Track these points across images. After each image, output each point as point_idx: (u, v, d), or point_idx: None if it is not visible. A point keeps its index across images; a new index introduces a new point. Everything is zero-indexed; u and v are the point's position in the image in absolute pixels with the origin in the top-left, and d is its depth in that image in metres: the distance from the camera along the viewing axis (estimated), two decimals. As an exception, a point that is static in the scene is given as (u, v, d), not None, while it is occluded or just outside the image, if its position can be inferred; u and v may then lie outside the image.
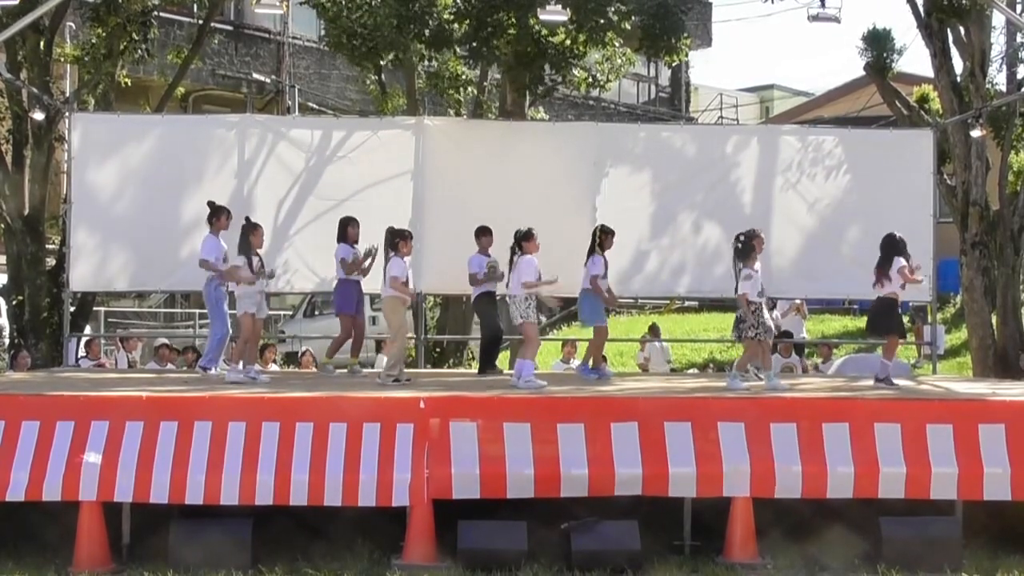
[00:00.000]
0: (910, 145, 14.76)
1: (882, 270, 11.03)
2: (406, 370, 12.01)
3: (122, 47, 16.94)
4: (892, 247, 11.07)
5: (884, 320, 11.33)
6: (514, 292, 11.08)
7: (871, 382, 11.52)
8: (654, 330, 18.40)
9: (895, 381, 11.27)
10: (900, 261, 10.96)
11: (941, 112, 17.61)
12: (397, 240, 11.26)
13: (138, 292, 21.93)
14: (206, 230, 13.82)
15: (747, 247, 11.00)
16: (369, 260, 12.12)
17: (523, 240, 11.16)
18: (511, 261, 11.22)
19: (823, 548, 8.85)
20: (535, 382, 10.59)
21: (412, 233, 11.73)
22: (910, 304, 18.74)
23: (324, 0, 18.60)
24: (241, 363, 11.26)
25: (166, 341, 17.04)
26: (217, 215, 11.61)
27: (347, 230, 12.17)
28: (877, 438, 8.99)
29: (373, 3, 18.12)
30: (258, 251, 11.40)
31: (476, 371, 12.89)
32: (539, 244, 11.19)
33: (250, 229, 11.36)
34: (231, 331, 11.58)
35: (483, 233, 12.18)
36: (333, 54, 21.06)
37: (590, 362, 12.44)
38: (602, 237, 12.04)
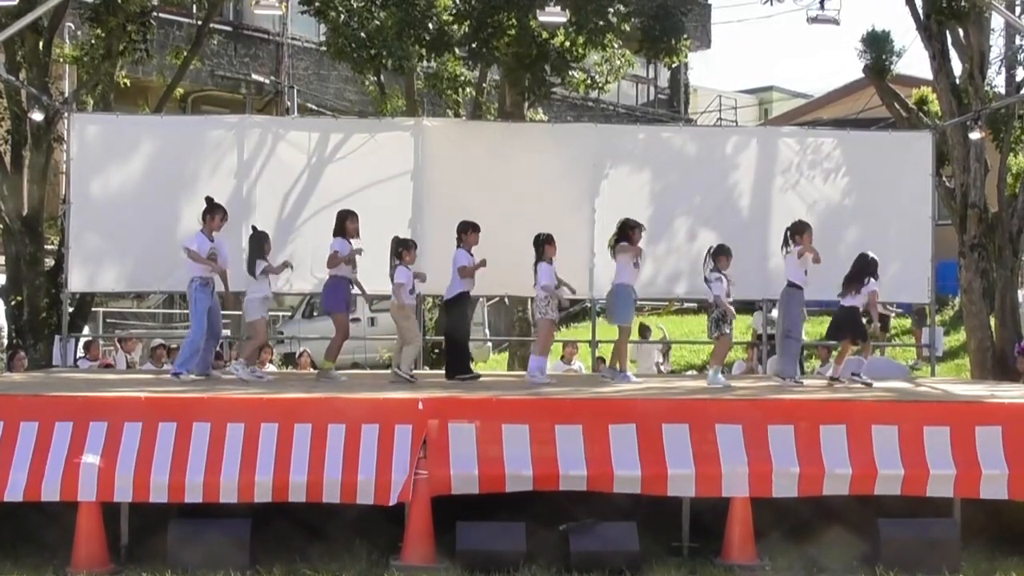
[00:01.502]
0: (909, 147, 14.78)
1: (851, 284, 11.62)
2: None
3: (121, 48, 16.96)
4: (864, 268, 11.64)
5: (846, 326, 11.80)
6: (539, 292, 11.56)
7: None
8: (642, 331, 18.45)
9: (871, 382, 11.69)
10: (874, 285, 11.54)
11: (940, 114, 17.63)
12: (401, 249, 11.55)
13: (137, 293, 21.93)
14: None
15: (720, 251, 11.72)
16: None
17: (545, 243, 11.51)
18: (536, 264, 11.54)
19: (822, 550, 8.85)
20: (540, 378, 11.13)
21: (416, 243, 11.86)
22: (912, 307, 18.77)
23: (325, 8, 18.60)
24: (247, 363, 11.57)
25: (162, 342, 17.05)
26: (212, 213, 11.65)
27: (345, 224, 11.87)
28: (874, 440, 8.99)
29: (374, 10, 18.13)
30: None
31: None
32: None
33: (262, 238, 11.60)
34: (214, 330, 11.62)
35: (473, 229, 11.93)
36: (332, 57, 21.06)
37: (618, 365, 12.13)
38: (629, 232, 11.91)
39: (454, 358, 12.08)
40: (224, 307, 12.48)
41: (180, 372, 11.41)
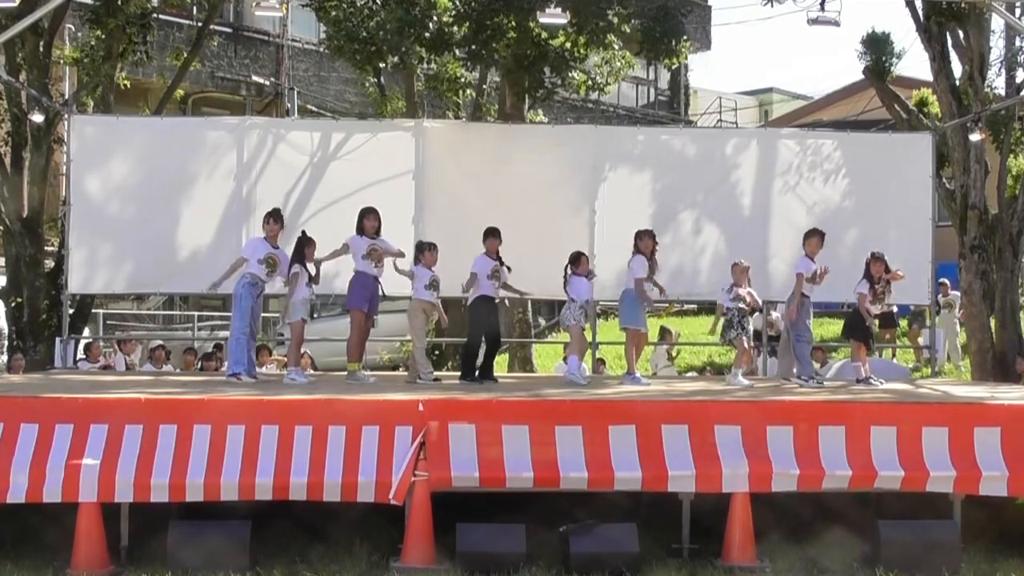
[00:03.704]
0: (909, 149, 14.79)
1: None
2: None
3: (121, 49, 16.97)
4: (866, 266, 12.00)
5: (850, 327, 12.40)
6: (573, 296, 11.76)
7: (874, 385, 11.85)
8: (662, 334, 18.52)
9: (880, 383, 11.90)
10: (862, 287, 11.91)
11: (940, 116, 17.63)
12: (416, 252, 11.84)
13: (136, 294, 21.92)
14: (204, 233, 13.84)
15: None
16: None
17: (573, 263, 11.73)
18: (566, 277, 11.73)
19: (822, 551, 8.86)
20: (577, 377, 11.57)
21: (435, 245, 11.86)
22: (911, 307, 18.76)
23: (327, 4, 18.63)
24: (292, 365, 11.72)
25: (161, 343, 17.04)
26: (268, 219, 11.77)
27: (363, 222, 11.71)
28: (873, 441, 9.00)
29: (375, 7, 18.15)
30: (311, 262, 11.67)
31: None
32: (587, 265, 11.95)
33: (306, 242, 11.63)
34: (251, 330, 11.62)
35: (492, 235, 11.91)
36: (332, 56, 21.08)
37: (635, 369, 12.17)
38: (636, 240, 11.95)
39: (463, 361, 12.18)
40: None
41: (238, 372, 11.37)
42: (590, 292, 11.91)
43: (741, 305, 11.97)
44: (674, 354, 19.23)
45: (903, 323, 21.44)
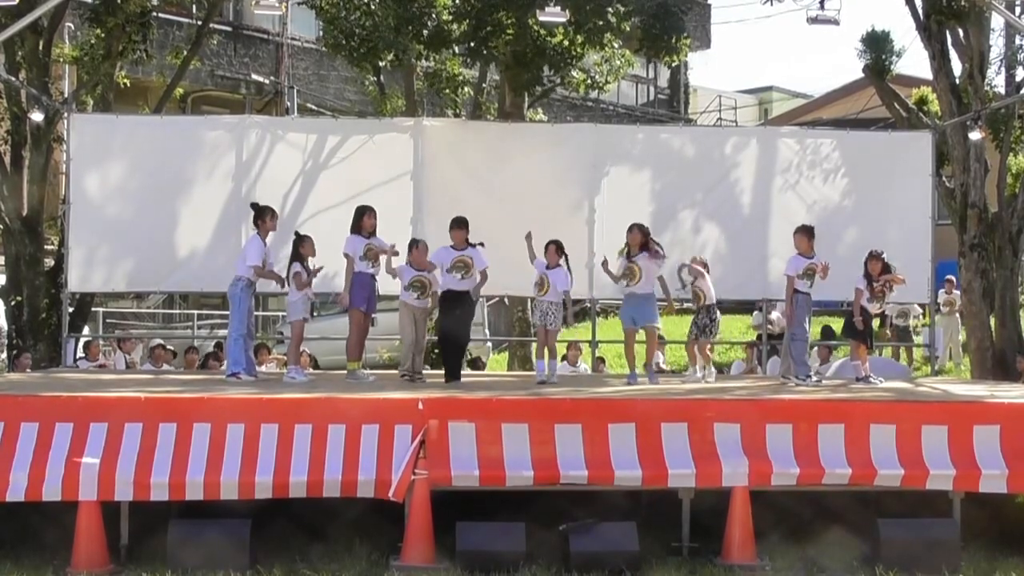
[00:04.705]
0: (909, 147, 14.78)
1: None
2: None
3: (121, 48, 16.96)
4: (865, 265, 11.92)
5: (850, 326, 12.28)
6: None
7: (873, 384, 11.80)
8: None
9: (880, 381, 11.83)
10: (860, 283, 11.84)
11: (940, 114, 17.63)
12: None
13: (136, 293, 21.91)
14: (204, 231, 13.84)
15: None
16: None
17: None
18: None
19: (821, 550, 8.86)
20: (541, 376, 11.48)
21: (418, 242, 11.81)
22: (887, 314, 18.74)
23: (322, 1, 18.65)
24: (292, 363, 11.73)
25: (161, 342, 17.04)
26: (262, 216, 11.69)
27: (362, 219, 11.65)
28: (872, 439, 9.01)
29: (372, 4, 18.17)
30: (309, 259, 11.68)
31: (473, 371, 12.56)
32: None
33: (300, 241, 11.68)
34: (248, 331, 11.63)
35: (456, 226, 11.65)
36: (332, 55, 21.09)
37: (651, 365, 12.15)
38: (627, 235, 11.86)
39: (443, 361, 12.10)
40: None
41: (237, 372, 11.38)
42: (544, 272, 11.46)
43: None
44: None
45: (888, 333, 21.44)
